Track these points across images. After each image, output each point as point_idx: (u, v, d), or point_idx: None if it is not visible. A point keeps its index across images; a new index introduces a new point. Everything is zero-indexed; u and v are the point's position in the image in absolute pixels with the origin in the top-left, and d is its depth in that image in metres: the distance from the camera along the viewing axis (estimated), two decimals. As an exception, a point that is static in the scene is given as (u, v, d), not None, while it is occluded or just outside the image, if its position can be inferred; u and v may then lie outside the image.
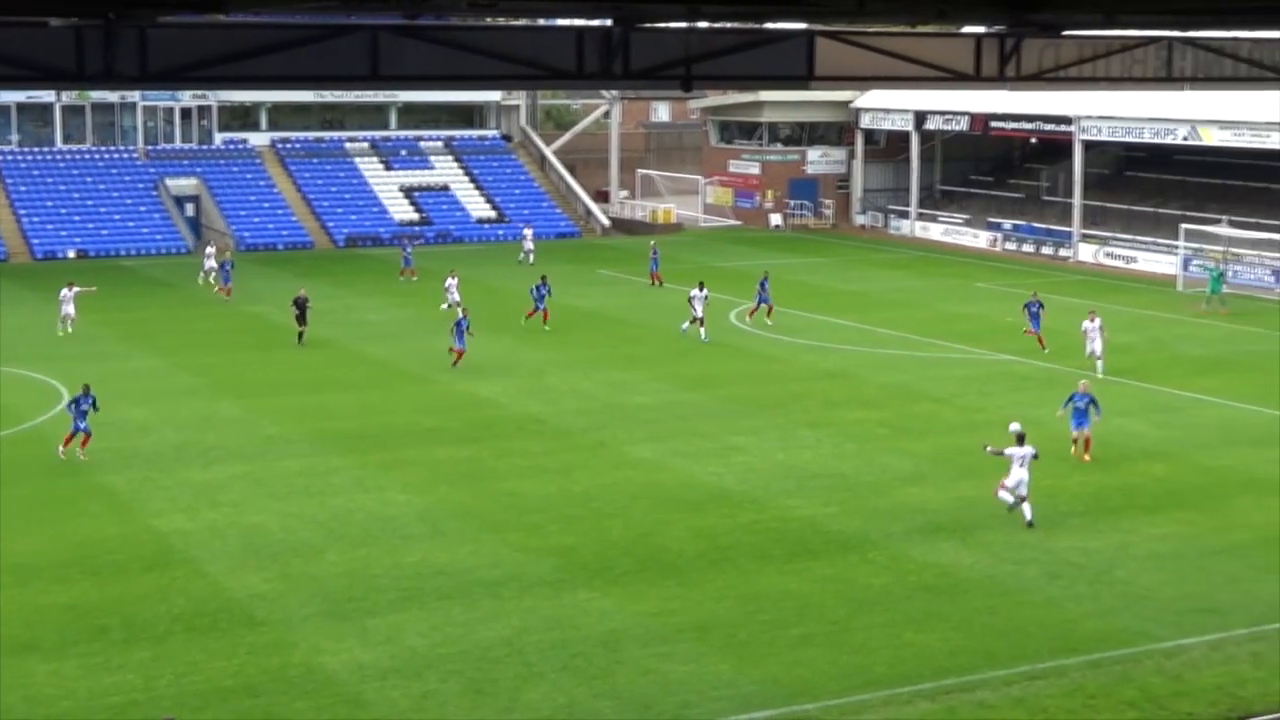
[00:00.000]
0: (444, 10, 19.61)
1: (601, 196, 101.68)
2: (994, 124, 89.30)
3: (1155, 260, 78.25)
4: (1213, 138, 78.26)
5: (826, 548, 32.62)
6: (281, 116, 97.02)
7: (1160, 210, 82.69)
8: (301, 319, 55.57)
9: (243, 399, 46.36)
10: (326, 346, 54.96)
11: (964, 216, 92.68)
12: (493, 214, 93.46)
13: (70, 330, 56.67)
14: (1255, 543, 33.07)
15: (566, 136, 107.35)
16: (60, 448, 38.91)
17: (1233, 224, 74.91)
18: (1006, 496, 34.22)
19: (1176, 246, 74.17)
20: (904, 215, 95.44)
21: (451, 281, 62.80)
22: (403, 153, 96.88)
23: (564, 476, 38.01)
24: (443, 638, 27.41)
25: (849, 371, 51.09)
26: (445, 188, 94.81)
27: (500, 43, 19.49)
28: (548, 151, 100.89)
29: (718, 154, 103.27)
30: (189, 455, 39.63)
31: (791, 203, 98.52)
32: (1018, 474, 34.01)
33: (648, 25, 19.50)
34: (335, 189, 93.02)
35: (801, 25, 20.98)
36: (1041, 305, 54.84)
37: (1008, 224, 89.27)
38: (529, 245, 79.61)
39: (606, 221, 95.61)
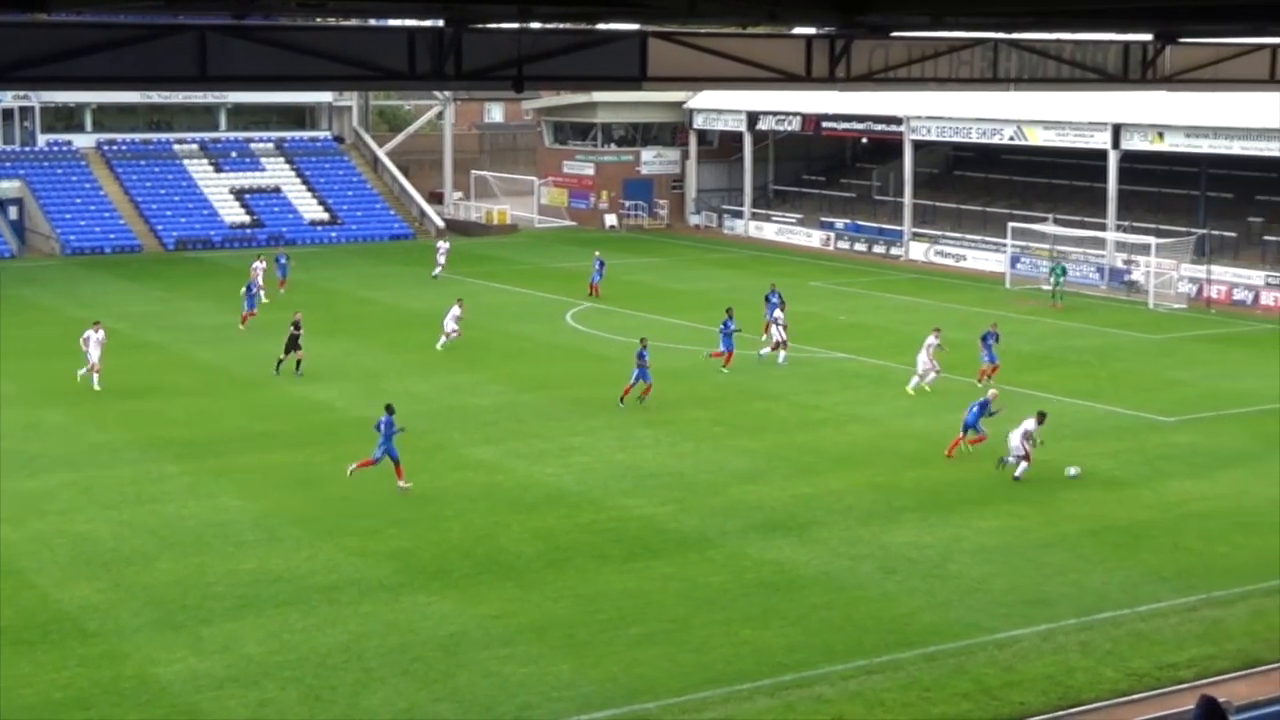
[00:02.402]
0: (273, 10, 19.38)
1: (435, 198, 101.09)
2: (825, 124, 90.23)
3: (984, 258, 79.59)
4: (1038, 137, 79.79)
5: (665, 547, 32.74)
6: (107, 118, 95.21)
7: (988, 209, 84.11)
8: (294, 344, 49.60)
9: (68, 406, 45.38)
10: (156, 350, 54.03)
11: (797, 216, 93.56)
12: (325, 216, 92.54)
13: (97, 385, 47.16)
14: (1082, 534, 33.79)
15: (399, 138, 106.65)
16: (353, 465, 37.01)
17: (1058, 222, 76.48)
18: (1009, 459, 38.03)
19: (1004, 245, 75.52)
20: (738, 215, 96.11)
21: (455, 311, 54.99)
22: (233, 154, 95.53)
23: (401, 480, 37.75)
24: (280, 645, 27.09)
25: (685, 371, 51.28)
26: (277, 190, 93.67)
27: (331, 43, 19.30)
28: (380, 153, 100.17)
29: (552, 155, 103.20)
30: (13, 464, 38.69)
31: (626, 203, 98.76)
32: (1011, 440, 37.95)
33: (479, 26, 19.41)
34: (164, 191, 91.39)
35: (634, 26, 21.01)
36: (998, 337, 50.30)
37: (840, 223, 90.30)
38: (442, 259, 74.48)
39: (441, 223, 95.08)
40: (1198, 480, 38.15)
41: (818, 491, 36.82)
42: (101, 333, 48.12)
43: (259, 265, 64.78)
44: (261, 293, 61.44)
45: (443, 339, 54.60)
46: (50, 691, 25.09)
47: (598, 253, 72.11)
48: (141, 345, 55.24)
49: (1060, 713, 24.76)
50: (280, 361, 49.91)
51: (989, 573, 31.19)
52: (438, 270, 73.91)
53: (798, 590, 30.14)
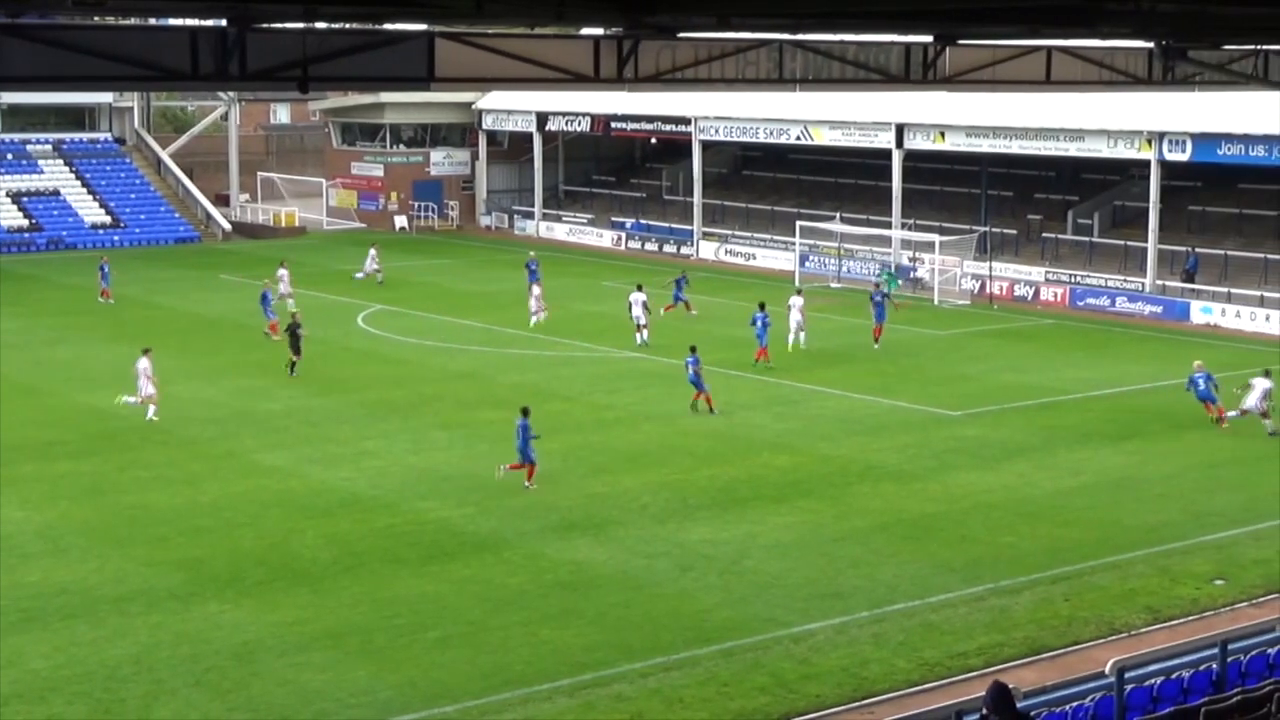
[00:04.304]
0: (49, 9, 18.89)
1: (222, 200, 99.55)
2: (615, 124, 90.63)
3: (774, 256, 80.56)
4: (824, 137, 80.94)
5: (462, 549, 32.63)
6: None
7: (776, 208, 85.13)
8: (297, 345, 49.37)
9: None
10: (-68, 361, 52.45)
11: (588, 216, 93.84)
12: (107, 219, 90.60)
13: (130, 406, 43.64)
14: (874, 528, 34.35)
15: (183, 139, 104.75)
16: (526, 482, 36.74)
17: (845, 220, 77.68)
18: (1238, 415, 42.34)
19: (792, 243, 76.50)
20: (529, 216, 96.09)
21: (536, 291, 61.42)
22: (9, 156, 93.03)
23: (191, 487, 37.10)
24: (67, 658, 26.47)
25: (479, 372, 51.17)
26: (56, 193, 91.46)
27: (110, 42, 18.86)
28: (164, 155, 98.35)
29: (340, 156, 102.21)
30: None
31: (416, 204, 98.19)
32: (1252, 400, 42.03)
33: (264, 26, 19.13)
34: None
35: (421, 26, 20.87)
36: (886, 296, 57.35)
37: (630, 223, 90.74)
38: (372, 265, 72.31)
39: (227, 225, 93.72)
40: (983, 472, 39.04)
41: (613, 491, 36.96)
42: (149, 364, 43.93)
43: (283, 273, 63.79)
44: (286, 300, 60.30)
45: (534, 319, 59.05)
46: None
47: (533, 253, 72.18)
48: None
49: (855, 704, 25.15)
50: (293, 364, 49.46)
51: (784, 568, 31.57)
52: (363, 274, 72.30)
53: (595, 589, 30.23)
